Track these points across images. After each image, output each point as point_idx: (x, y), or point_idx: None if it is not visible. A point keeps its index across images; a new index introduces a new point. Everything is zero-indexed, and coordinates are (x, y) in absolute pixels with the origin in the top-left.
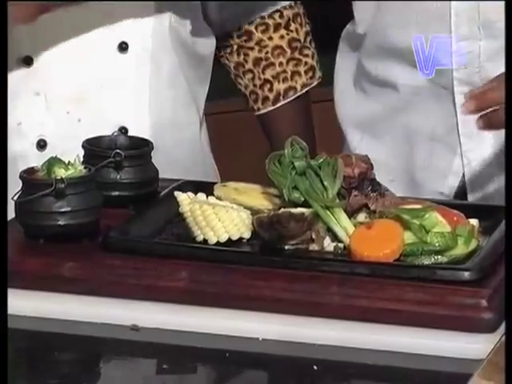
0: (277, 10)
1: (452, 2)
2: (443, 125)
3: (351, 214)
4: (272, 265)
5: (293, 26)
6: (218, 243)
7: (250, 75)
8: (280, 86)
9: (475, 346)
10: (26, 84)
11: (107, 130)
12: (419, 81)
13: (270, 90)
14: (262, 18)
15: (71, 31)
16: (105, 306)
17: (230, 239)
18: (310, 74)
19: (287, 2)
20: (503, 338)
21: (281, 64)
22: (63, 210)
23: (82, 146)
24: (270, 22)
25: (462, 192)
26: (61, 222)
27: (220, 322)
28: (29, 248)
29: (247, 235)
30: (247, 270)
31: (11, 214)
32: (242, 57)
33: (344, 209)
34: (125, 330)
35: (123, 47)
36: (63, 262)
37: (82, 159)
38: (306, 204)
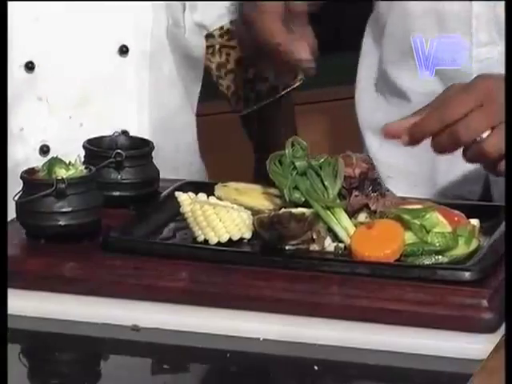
0: None
1: (474, 7)
2: None
3: (352, 214)
4: (272, 265)
5: None
6: (218, 243)
7: (231, 75)
8: (262, 87)
9: (476, 346)
10: (28, 89)
11: (109, 133)
12: (438, 87)
13: (252, 90)
14: None
15: (72, 36)
16: (105, 306)
17: (230, 239)
18: (292, 74)
19: None
20: (503, 338)
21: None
22: (64, 210)
23: (83, 147)
24: None
25: (486, 196)
26: (61, 222)
27: (220, 322)
28: (29, 248)
29: (248, 235)
30: (248, 270)
31: (12, 214)
32: (224, 57)
33: (345, 209)
34: (125, 330)
35: (123, 51)
36: (64, 262)
37: (82, 159)
38: (306, 204)
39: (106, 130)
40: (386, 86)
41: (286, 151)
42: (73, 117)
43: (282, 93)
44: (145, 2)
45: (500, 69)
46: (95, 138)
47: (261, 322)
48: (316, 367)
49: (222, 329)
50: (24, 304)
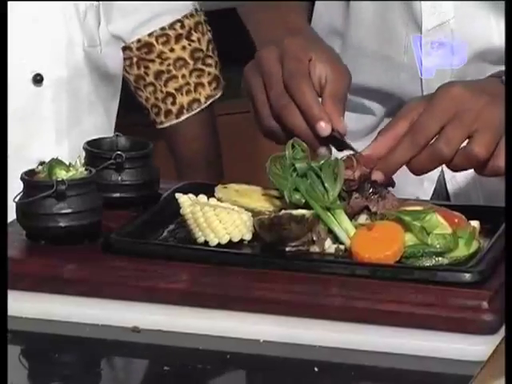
0: (178, 20)
1: None
2: None
3: (352, 216)
4: (273, 266)
5: (195, 36)
6: (219, 245)
7: (151, 88)
8: (183, 99)
9: (476, 347)
10: None
11: (27, 166)
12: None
13: (173, 103)
14: (163, 28)
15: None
16: (106, 308)
17: (230, 241)
18: (214, 84)
19: (188, 11)
20: (504, 340)
21: (183, 76)
22: (64, 211)
23: (83, 148)
24: (171, 32)
25: (439, 197)
26: (62, 224)
27: (220, 323)
28: (29, 249)
29: (248, 237)
30: (248, 271)
31: (12, 215)
32: (142, 70)
33: (345, 211)
34: (125, 331)
35: (37, 79)
36: (64, 264)
37: (82, 161)
38: (306, 206)
39: (25, 163)
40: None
41: (286, 153)
42: None
43: (205, 105)
44: (58, 25)
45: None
46: (95, 140)
47: (261, 323)
48: (316, 369)
49: (222, 330)
50: (24, 306)
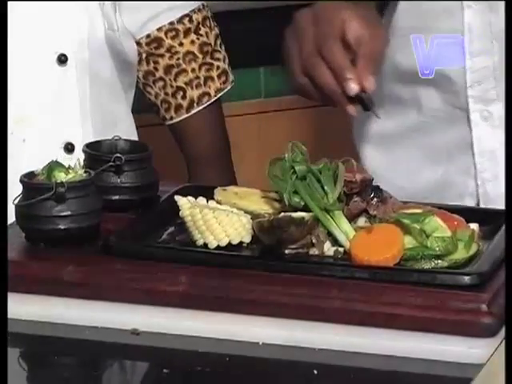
0: (186, 15)
1: (465, 18)
2: (458, 146)
3: (351, 219)
4: (272, 269)
5: (203, 30)
6: (218, 247)
7: (161, 83)
8: (193, 93)
9: (476, 350)
10: None
11: (53, 148)
12: (434, 102)
13: (184, 97)
14: (171, 23)
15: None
16: (105, 310)
17: (230, 243)
18: (223, 78)
19: (196, 6)
20: (503, 343)
21: (193, 70)
22: (63, 213)
23: (83, 151)
24: (180, 27)
25: None
26: (61, 226)
27: (220, 326)
28: (29, 252)
29: (247, 239)
30: (247, 274)
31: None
32: (151, 65)
33: (344, 213)
34: (125, 334)
35: (62, 60)
36: (63, 266)
37: (82, 163)
38: (306, 208)
39: (50, 145)
40: (384, 99)
41: (286, 155)
42: (14, 133)
43: (215, 98)
44: (80, 8)
45: (496, 78)
46: (94, 142)
47: (260, 326)
48: (316, 371)
49: (222, 333)
50: (24, 308)
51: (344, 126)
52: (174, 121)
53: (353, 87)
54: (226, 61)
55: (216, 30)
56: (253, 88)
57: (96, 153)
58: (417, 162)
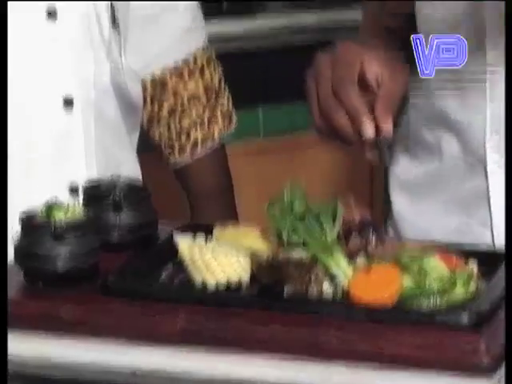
0: (190, 55)
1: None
2: (475, 196)
3: (350, 258)
4: (271, 308)
5: (207, 72)
6: (216, 287)
7: (165, 125)
8: (197, 135)
9: None
10: None
11: (58, 189)
12: (455, 150)
13: (187, 139)
14: (176, 63)
15: (13, 89)
16: (104, 350)
17: (229, 282)
18: (227, 120)
19: (200, 47)
20: (503, 382)
21: (197, 112)
22: (62, 253)
23: (82, 189)
24: (184, 68)
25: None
26: (59, 266)
27: (219, 365)
28: (27, 291)
29: (246, 279)
30: (246, 313)
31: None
32: (156, 107)
33: (343, 252)
34: (124, 373)
35: (68, 102)
36: (62, 306)
37: (81, 202)
38: (304, 247)
39: (55, 186)
40: (414, 142)
41: (285, 196)
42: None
43: (218, 140)
44: (85, 48)
45: None
46: (93, 181)
47: (259, 365)
48: None
49: (221, 373)
50: (21, 347)
51: (343, 166)
52: (179, 166)
53: (369, 132)
54: (230, 102)
55: (220, 72)
56: (251, 127)
57: (95, 192)
58: (439, 209)
